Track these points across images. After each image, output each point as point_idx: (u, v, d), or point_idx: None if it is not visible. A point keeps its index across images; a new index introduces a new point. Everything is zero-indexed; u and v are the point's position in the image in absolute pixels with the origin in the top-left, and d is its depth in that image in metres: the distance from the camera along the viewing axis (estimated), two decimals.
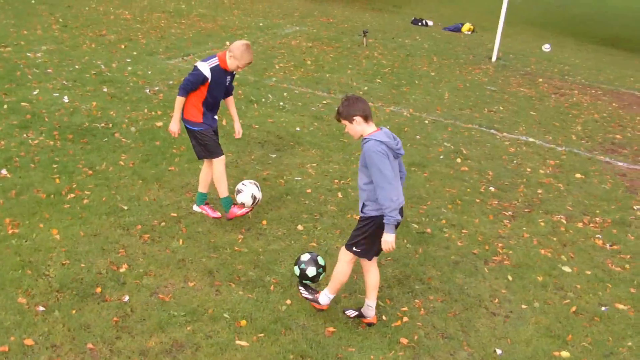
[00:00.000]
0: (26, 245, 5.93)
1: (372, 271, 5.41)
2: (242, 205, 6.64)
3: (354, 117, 4.95)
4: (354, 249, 5.16)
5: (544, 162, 10.44)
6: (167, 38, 15.07)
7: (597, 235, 8.03)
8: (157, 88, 11.07)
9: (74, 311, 5.15)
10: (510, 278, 6.69)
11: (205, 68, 6.19)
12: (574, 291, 6.65)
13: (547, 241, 7.68)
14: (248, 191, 6.51)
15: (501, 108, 13.27)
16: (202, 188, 6.80)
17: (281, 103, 11.36)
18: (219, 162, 6.57)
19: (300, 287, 5.51)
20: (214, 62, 6.24)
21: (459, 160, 9.87)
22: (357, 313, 5.55)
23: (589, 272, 7.08)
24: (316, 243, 6.75)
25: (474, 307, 6.08)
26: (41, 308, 5.12)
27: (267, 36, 17.15)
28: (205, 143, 6.47)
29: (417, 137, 10.69)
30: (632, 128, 13.40)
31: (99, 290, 5.43)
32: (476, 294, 6.32)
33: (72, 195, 6.94)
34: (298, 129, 10.13)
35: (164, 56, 13.45)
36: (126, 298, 5.37)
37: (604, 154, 11.39)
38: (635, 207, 9.11)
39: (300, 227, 7.04)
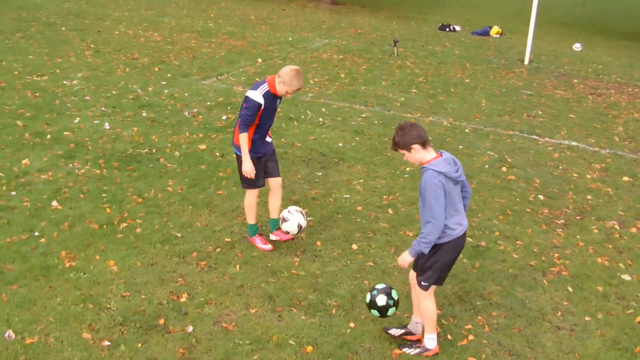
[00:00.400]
0: (85, 278, 5.96)
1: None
2: (267, 242, 6.71)
3: (412, 146, 4.91)
4: (426, 283, 5.12)
5: (590, 166, 10.30)
6: (198, 58, 15.16)
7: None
8: (195, 110, 11.13)
9: (139, 344, 5.15)
10: (570, 289, 6.58)
11: (258, 96, 6.19)
12: (636, 300, 6.53)
13: (602, 249, 7.56)
14: (294, 220, 6.51)
15: (540, 112, 13.13)
16: (272, 214, 6.77)
17: (320, 119, 11.36)
18: (252, 192, 6.63)
19: (404, 349, 5.42)
20: (265, 88, 6.24)
21: (504, 169, 9.76)
22: (403, 331, 5.50)
23: None
24: (372, 262, 6.71)
25: (537, 322, 5.98)
26: (107, 343, 5.14)
27: (298, 51, 17.18)
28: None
29: (460, 147, 10.60)
30: None
31: (162, 321, 5.43)
32: (538, 307, 6.22)
33: (125, 224, 6.97)
34: (340, 144, 10.11)
35: (198, 77, 13.53)
36: (190, 329, 5.37)
37: None
38: None
39: (354, 246, 7.01)
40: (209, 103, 11.67)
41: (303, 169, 9.04)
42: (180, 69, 13.97)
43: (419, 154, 4.93)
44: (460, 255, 6.62)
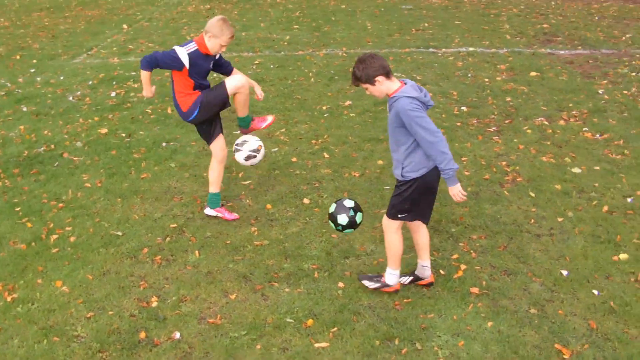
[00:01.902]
0: (35, 308, 5.20)
1: (421, 231, 5.05)
2: (231, 213, 6.21)
3: (376, 79, 4.47)
4: (399, 216, 4.76)
5: (495, 68, 10.28)
6: (59, 36, 13.89)
7: (584, 129, 7.95)
8: (79, 93, 10.14)
9: None
10: (532, 194, 6.50)
11: (182, 53, 5.57)
12: (594, 190, 6.53)
13: (542, 147, 7.54)
14: (253, 142, 6.04)
15: (426, 25, 13.01)
16: (214, 187, 6.18)
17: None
18: (216, 157, 6.10)
19: (363, 281, 5.09)
20: (192, 46, 5.61)
21: None
22: (411, 278, 5.20)
23: (597, 168, 6.98)
24: None
25: (516, 234, 5.84)
26: None
27: (161, 9, 16.13)
28: (203, 133, 6.09)
29: None
30: (553, 14, 13.43)
31: (143, 335, 4.83)
32: (511, 220, 6.09)
33: (55, 236, 6.17)
34: None
35: (67, 56, 12.37)
36: (177, 335, 4.80)
37: (543, 46, 11.34)
38: (600, 92, 9.10)
39: (306, 200, 6.58)
40: (90, 82, 10.67)
41: None
42: (45, 52, 12.71)
43: (383, 86, 4.52)
44: None
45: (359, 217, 4.99)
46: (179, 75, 5.67)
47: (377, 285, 5.06)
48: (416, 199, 4.77)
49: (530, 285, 5.19)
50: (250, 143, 6.00)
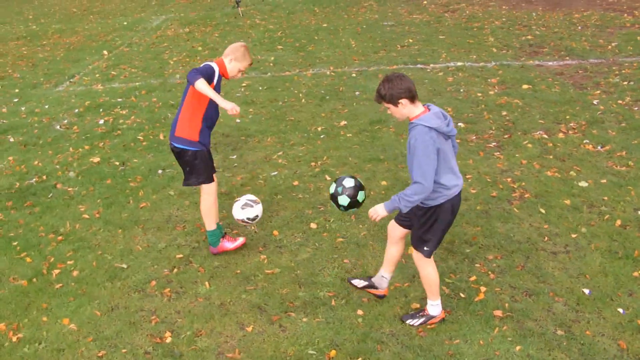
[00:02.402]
0: (43, 348, 4.97)
1: (400, 244, 4.92)
2: (235, 239, 5.99)
3: (400, 100, 4.35)
4: (425, 248, 4.62)
5: (487, 82, 10.24)
6: (39, 65, 13.63)
7: (584, 141, 7.91)
8: (66, 121, 9.90)
9: None
10: (542, 210, 6.41)
11: (214, 67, 5.35)
12: (604, 204, 6.46)
13: (545, 162, 7.47)
14: (259, 208, 5.81)
15: (410, 40, 12.97)
16: (211, 224, 5.98)
17: None
18: (211, 189, 5.79)
19: (407, 321, 4.95)
20: (215, 67, 5.42)
21: None
22: (366, 283, 5.11)
23: (604, 181, 6.92)
24: (341, 237, 6.17)
25: (532, 253, 5.73)
26: None
27: (140, 33, 15.93)
28: (198, 168, 5.71)
29: (357, 93, 10.18)
30: (535, 25, 13.47)
31: None
32: (525, 238, 5.98)
33: (56, 271, 5.94)
34: (238, 120, 9.36)
35: (49, 85, 12.13)
36: None
37: (530, 58, 11.35)
38: (595, 102, 9.09)
39: (313, 225, 6.42)
40: (76, 110, 10.43)
41: (214, 156, 8.22)
42: (26, 81, 12.45)
43: (406, 109, 4.39)
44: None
45: (360, 196, 4.80)
46: (196, 94, 5.44)
47: (422, 320, 4.92)
48: (435, 227, 4.64)
49: (554, 306, 5.07)
50: (252, 211, 5.82)
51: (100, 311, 5.31)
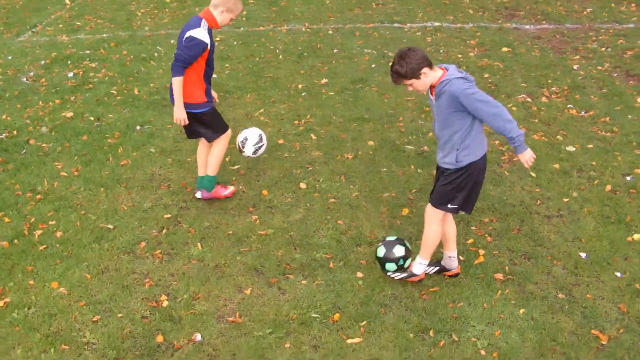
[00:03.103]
0: (33, 313, 4.75)
1: (449, 221, 4.83)
2: (227, 187, 5.96)
3: (422, 71, 4.20)
4: (449, 205, 4.52)
5: (466, 44, 10.15)
6: None
7: (568, 106, 7.91)
8: (32, 73, 9.46)
9: None
10: (533, 174, 6.41)
11: (204, 35, 5.19)
12: (593, 169, 6.49)
13: (531, 125, 7.46)
14: (253, 134, 5.80)
15: None
16: (206, 170, 5.81)
17: None
18: (226, 138, 5.74)
19: (387, 274, 4.83)
20: (205, 24, 5.21)
21: (389, 64, 9.26)
22: (437, 268, 4.99)
23: (590, 146, 6.94)
24: (333, 198, 6.04)
25: (527, 216, 5.73)
26: None
27: None
28: (215, 123, 5.64)
29: (335, 51, 9.98)
30: None
31: (160, 339, 4.46)
32: (518, 201, 5.97)
33: (39, 231, 5.68)
34: (215, 76, 9.05)
35: (10, 34, 11.58)
36: (198, 337, 4.47)
37: (507, 21, 11.28)
38: (575, 67, 9.09)
39: (302, 185, 6.30)
40: (42, 62, 9.98)
41: None
42: None
43: (428, 77, 4.27)
44: (412, 166, 6.17)
45: (407, 264, 4.86)
46: (194, 62, 5.27)
47: (404, 275, 4.84)
48: (467, 185, 4.54)
49: (553, 269, 5.08)
50: (250, 139, 5.67)
51: (90, 274, 5.11)
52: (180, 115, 5.39)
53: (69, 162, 6.85)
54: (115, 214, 5.88)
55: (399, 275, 4.82)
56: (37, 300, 4.82)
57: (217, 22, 5.29)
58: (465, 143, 4.33)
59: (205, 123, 5.53)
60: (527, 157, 4.32)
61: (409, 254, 4.83)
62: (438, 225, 4.65)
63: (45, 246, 5.44)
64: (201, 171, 5.85)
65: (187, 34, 5.17)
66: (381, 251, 4.80)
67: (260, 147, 5.71)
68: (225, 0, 5.26)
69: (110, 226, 5.70)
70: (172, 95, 5.35)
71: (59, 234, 5.61)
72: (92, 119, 7.86)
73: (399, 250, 4.79)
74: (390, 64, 4.28)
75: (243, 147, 5.69)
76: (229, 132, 5.77)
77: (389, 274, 4.86)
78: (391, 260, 4.77)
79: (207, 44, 5.18)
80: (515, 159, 6.67)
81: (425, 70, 4.19)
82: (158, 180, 6.43)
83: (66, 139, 7.35)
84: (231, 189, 5.99)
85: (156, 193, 6.21)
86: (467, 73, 4.34)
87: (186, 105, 5.33)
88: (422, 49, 4.29)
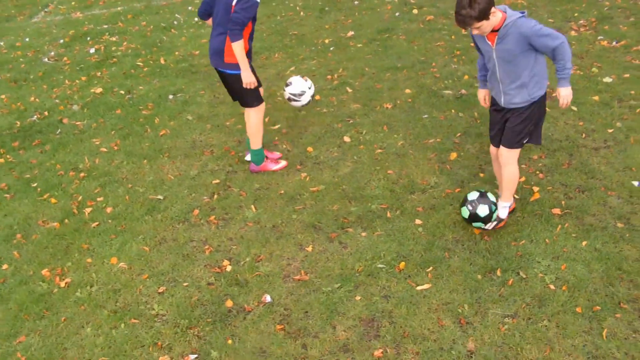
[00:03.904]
0: (97, 291, 4.83)
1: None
2: (277, 160, 5.96)
3: (491, 10, 4.16)
4: (524, 141, 4.54)
5: None
6: None
7: (598, 37, 7.83)
8: (53, 53, 9.45)
9: (229, 341, 4.23)
10: (574, 108, 6.37)
11: None
12: (632, 98, 6.47)
13: None
14: (298, 84, 5.71)
15: None
16: (258, 142, 5.82)
17: (195, 19, 10.07)
18: (263, 106, 5.68)
19: (475, 225, 4.82)
20: None
21: (415, 11, 9.22)
22: (495, 223, 4.98)
23: (627, 75, 6.90)
24: (380, 148, 6.06)
25: (574, 150, 5.73)
26: (192, 356, 4.16)
27: None
28: (254, 88, 5.45)
29: (357, 2, 9.90)
30: None
31: (229, 304, 4.53)
32: (563, 136, 5.97)
33: (88, 209, 5.75)
34: None
35: (23, 17, 11.55)
36: (267, 298, 4.53)
37: None
38: None
39: (346, 138, 6.32)
40: (61, 41, 9.96)
41: None
42: None
43: (494, 17, 4.22)
44: (453, 111, 6.17)
45: (494, 217, 4.77)
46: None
47: (494, 224, 4.84)
48: (539, 116, 4.58)
49: (608, 200, 5.09)
50: (298, 90, 5.65)
51: (148, 246, 5.17)
52: (249, 79, 5.34)
53: (106, 137, 6.89)
54: (162, 185, 5.93)
55: (491, 225, 4.82)
56: (99, 277, 4.89)
57: None
58: (534, 79, 4.34)
59: (243, 88, 5.48)
60: (568, 92, 4.34)
61: (493, 207, 4.74)
62: (516, 165, 4.66)
63: (97, 223, 5.50)
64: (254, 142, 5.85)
65: None
66: (465, 213, 4.77)
67: (309, 89, 5.69)
68: None
69: (160, 197, 5.76)
70: (220, 59, 5.31)
71: (109, 209, 5.67)
72: (122, 92, 7.88)
73: (483, 210, 4.72)
74: (457, 7, 4.18)
75: (299, 98, 5.67)
76: (264, 103, 5.71)
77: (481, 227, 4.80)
78: (478, 220, 4.74)
79: (258, 2, 5.12)
80: (554, 94, 6.61)
81: (493, 9, 4.15)
82: (200, 147, 6.46)
83: (100, 115, 7.38)
84: (283, 163, 5.99)
85: (200, 160, 6.25)
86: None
87: (227, 66, 5.31)
88: None
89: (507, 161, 4.62)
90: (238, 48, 5.15)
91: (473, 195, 4.74)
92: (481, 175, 5.52)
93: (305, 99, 5.66)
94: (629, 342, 3.84)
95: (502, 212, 4.82)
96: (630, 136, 5.83)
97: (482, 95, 4.80)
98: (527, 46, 4.18)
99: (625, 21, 8.06)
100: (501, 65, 4.34)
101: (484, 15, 4.07)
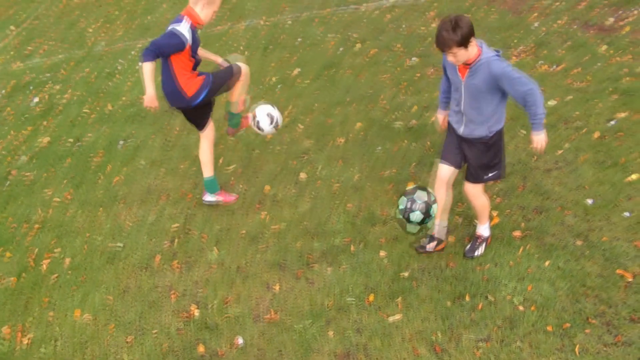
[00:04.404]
0: (62, 346, 4.73)
1: (450, 188, 4.94)
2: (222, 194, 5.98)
3: (471, 39, 4.25)
4: (490, 174, 4.62)
5: (425, 15, 10.27)
6: None
7: (539, 62, 8.07)
8: None
9: None
10: (523, 131, 6.56)
11: (185, 30, 5.15)
12: (577, 119, 6.68)
13: None
14: (262, 111, 5.79)
15: None
16: (208, 170, 5.80)
17: (138, 64, 9.99)
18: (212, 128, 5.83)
19: (470, 255, 4.96)
20: (187, 20, 5.18)
21: (358, 46, 9.36)
22: (435, 243, 5.06)
23: (570, 97, 7.14)
24: (337, 182, 6.10)
25: (527, 172, 5.93)
26: None
27: (44, 4, 14.94)
28: (209, 107, 5.72)
29: (299, 40, 9.99)
30: None
31: (201, 349, 4.48)
32: (515, 159, 6.20)
33: (46, 261, 5.60)
34: None
35: None
36: (240, 340, 4.48)
37: None
38: (535, 25, 9.27)
39: (302, 175, 6.33)
40: (2, 92, 9.74)
41: (174, 121, 7.89)
42: None
43: (473, 48, 4.30)
44: (405, 141, 6.30)
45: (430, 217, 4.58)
46: (178, 57, 5.22)
47: (483, 245, 4.98)
48: (499, 148, 4.69)
49: (565, 219, 5.23)
50: (262, 120, 5.69)
51: (112, 296, 5.06)
52: (151, 102, 5.35)
53: (58, 187, 6.74)
54: (121, 232, 5.83)
55: (481, 250, 4.96)
56: (63, 331, 4.76)
57: (201, 18, 5.26)
58: (495, 116, 4.44)
59: (209, 106, 5.68)
60: (541, 137, 4.41)
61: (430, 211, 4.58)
62: (483, 197, 4.80)
63: (56, 275, 5.37)
64: (205, 171, 5.83)
65: (170, 28, 5.14)
66: (403, 203, 4.56)
67: (275, 120, 5.77)
68: None
69: (120, 245, 5.65)
70: (182, 97, 5.31)
71: (67, 261, 5.54)
72: (70, 140, 7.74)
73: (416, 217, 4.54)
74: (439, 29, 4.23)
75: (260, 126, 5.74)
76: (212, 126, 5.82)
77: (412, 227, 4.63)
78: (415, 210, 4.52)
79: (184, 40, 5.12)
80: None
81: (472, 39, 4.23)
82: (156, 192, 6.38)
83: (49, 165, 7.22)
84: (234, 195, 6.08)
85: (157, 205, 6.17)
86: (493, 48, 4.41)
87: (194, 97, 5.34)
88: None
89: (475, 196, 4.72)
90: (146, 68, 5.15)
91: (418, 195, 4.53)
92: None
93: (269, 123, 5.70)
94: (600, 356, 3.92)
95: (484, 230, 4.97)
96: (579, 156, 6.01)
97: (442, 117, 4.88)
98: (496, 86, 4.28)
99: (562, 45, 8.36)
100: (467, 99, 4.44)
101: (465, 41, 4.15)
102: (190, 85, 5.32)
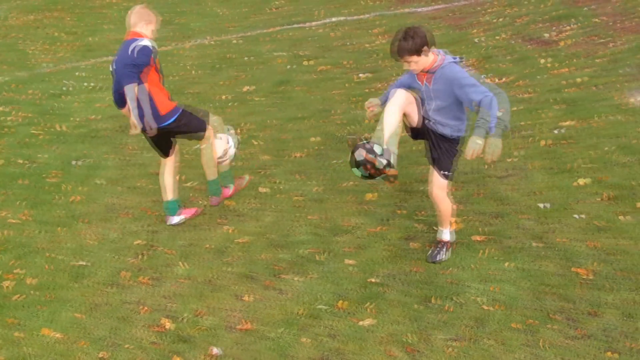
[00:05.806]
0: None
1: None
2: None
3: (424, 47, 4.44)
4: (446, 173, 4.85)
5: (370, 33, 10.55)
6: None
7: (488, 74, 8.41)
8: None
9: None
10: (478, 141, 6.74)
11: (149, 42, 5.30)
12: (524, 129, 6.99)
13: None
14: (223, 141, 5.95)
15: (278, 2, 12.95)
16: (171, 194, 5.82)
17: (85, 84, 9.96)
18: (211, 132, 5.92)
19: (435, 260, 5.07)
20: (143, 37, 5.38)
21: (306, 63, 9.54)
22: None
23: (515, 108, 7.42)
24: (300, 195, 6.21)
25: (481, 180, 6.16)
26: None
27: None
28: (191, 121, 5.77)
29: (249, 59, 10.10)
30: None
31: None
32: (469, 169, 6.37)
33: (7, 282, 5.51)
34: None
35: None
36: (215, 350, 4.51)
37: (401, 7, 11.76)
38: (477, 40, 9.65)
39: (262, 189, 6.43)
40: None
41: (127, 140, 7.87)
42: None
43: (429, 56, 4.49)
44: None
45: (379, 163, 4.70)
46: (149, 74, 5.29)
47: (446, 250, 5.13)
48: (457, 156, 4.94)
49: (521, 223, 5.46)
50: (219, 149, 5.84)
51: (81, 313, 5.02)
52: (136, 127, 5.43)
53: (13, 208, 6.64)
54: (83, 250, 5.80)
55: (445, 255, 5.13)
56: (32, 350, 4.69)
57: (151, 35, 5.35)
58: (458, 123, 4.63)
59: (185, 125, 5.69)
60: (500, 146, 4.48)
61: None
62: (447, 201, 5.02)
63: (19, 295, 5.28)
64: (169, 195, 5.83)
65: (131, 47, 5.18)
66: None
67: (231, 146, 5.96)
68: (139, 15, 5.36)
69: (84, 262, 5.61)
70: (156, 117, 5.35)
71: (30, 280, 5.46)
72: (21, 161, 7.63)
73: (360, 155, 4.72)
74: (393, 39, 4.46)
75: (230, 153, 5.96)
76: (211, 129, 5.90)
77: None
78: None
79: (153, 49, 5.22)
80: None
81: (426, 47, 4.41)
82: (116, 210, 6.36)
83: (3, 187, 7.10)
84: (195, 208, 6.16)
85: (118, 222, 6.16)
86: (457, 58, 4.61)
87: (166, 117, 5.37)
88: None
89: (440, 199, 4.88)
90: (128, 90, 5.23)
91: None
92: (398, 212, 5.76)
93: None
94: (564, 348, 4.14)
95: (447, 235, 5.12)
96: (528, 163, 6.28)
97: (374, 103, 5.06)
98: (453, 91, 4.48)
99: (505, 59, 8.71)
100: (432, 104, 4.64)
101: (417, 49, 4.34)
102: (165, 105, 5.44)
